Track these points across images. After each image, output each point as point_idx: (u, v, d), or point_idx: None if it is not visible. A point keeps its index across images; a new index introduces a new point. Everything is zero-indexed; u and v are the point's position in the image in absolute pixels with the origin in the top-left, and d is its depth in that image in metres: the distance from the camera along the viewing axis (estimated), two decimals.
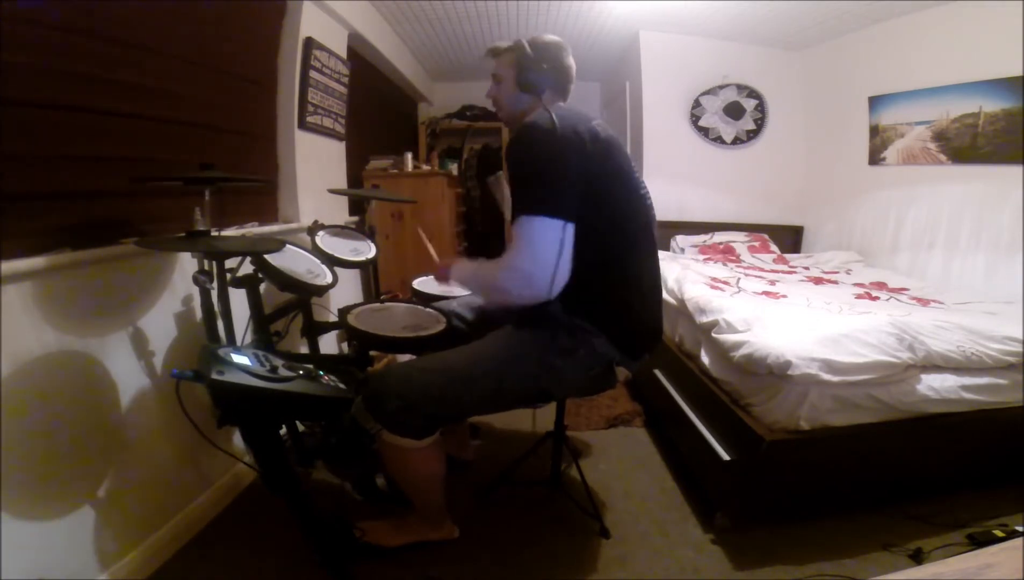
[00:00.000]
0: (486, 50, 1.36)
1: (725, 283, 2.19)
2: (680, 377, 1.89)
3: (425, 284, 1.83)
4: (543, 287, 1.06)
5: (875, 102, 2.92)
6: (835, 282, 2.42)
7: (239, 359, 1.06)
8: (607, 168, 1.14)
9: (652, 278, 1.29)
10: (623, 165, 1.20)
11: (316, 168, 2.40)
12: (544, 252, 1.05)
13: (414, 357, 1.36)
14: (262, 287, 1.54)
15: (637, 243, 1.23)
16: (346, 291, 2.64)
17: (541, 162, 1.08)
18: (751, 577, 1.31)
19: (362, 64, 3.11)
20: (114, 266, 1.25)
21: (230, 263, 1.40)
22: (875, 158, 2.97)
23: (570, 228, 1.06)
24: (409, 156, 3.34)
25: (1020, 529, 1.37)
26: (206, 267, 1.22)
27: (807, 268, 2.85)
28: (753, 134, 3.56)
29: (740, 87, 3.49)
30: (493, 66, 1.32)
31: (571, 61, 1.29)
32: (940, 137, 2.57)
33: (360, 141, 3.18)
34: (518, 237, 1.07)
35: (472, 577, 1.33)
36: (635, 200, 1.22)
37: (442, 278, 1.31)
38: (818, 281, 2.44)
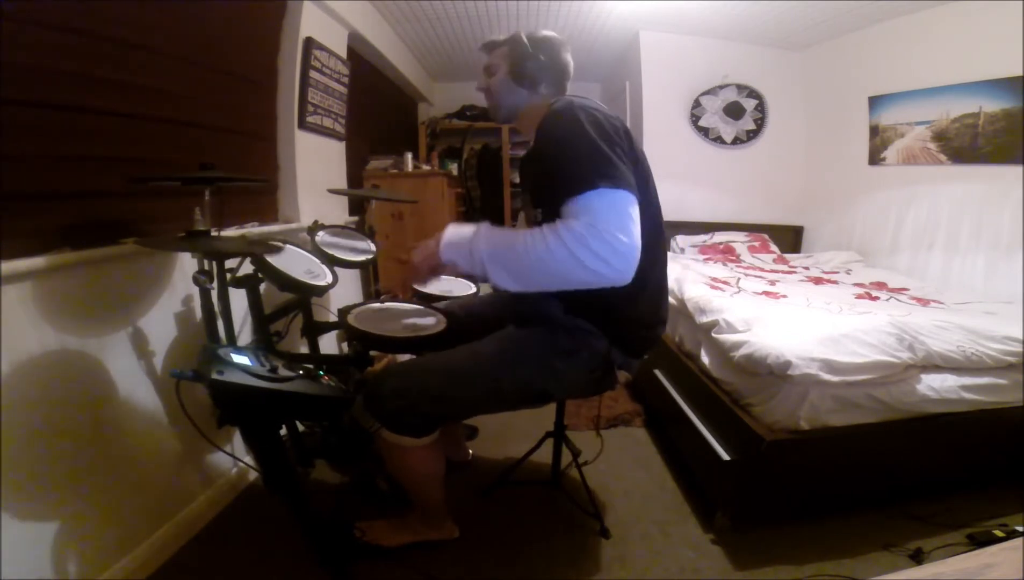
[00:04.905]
0: (481, 45, 1.32)
1: (725, 283, 2.19)
2: (680, 377, 1.89)
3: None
4: (632, 262, 0.90)
5: (875, 102, 2.92)
6: (835, 282, 2.42)
7: (239, 359, 1.06)
8: (634, 157, 1.07)
9: (659, 279, 1.24)
10: (644, 155, 1.14)
11: (316, 168, 2.40)
12: (631, 224, 0.91)
13: (414, 357, 1.36)
14: (262, 287, 1.54)
15: (649, 243, 1.13)
16: (346, 291, 2.64)
17: (600, 139, 0.98)
18: (751, 577, 1.31)
19: (362, 64, 3.11)
20: (114, 266, 1.25)
21: (230, 263, 1.40)
22: (875, 158, 2.97)
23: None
24: (409, 156, 3.34)
25: (1020, 529, 1.37)
26: (206, 267, 1.22)
27: (807, 268, 2.84)
28: (753, 134, 3.56)
29: (740, 87, 3.49)
30: (486, 60, 1.29)
31: (569, 58, 1.24)
32: (940, 137, 2.57)
33: (360, 141, 3.18)
34: (594, 209, 0.91)
35: (472, 577, 1.33)
36: (652, 196, 1.16)
37: (429, 264, 1.08)
38: (818, 281, 2.44)
